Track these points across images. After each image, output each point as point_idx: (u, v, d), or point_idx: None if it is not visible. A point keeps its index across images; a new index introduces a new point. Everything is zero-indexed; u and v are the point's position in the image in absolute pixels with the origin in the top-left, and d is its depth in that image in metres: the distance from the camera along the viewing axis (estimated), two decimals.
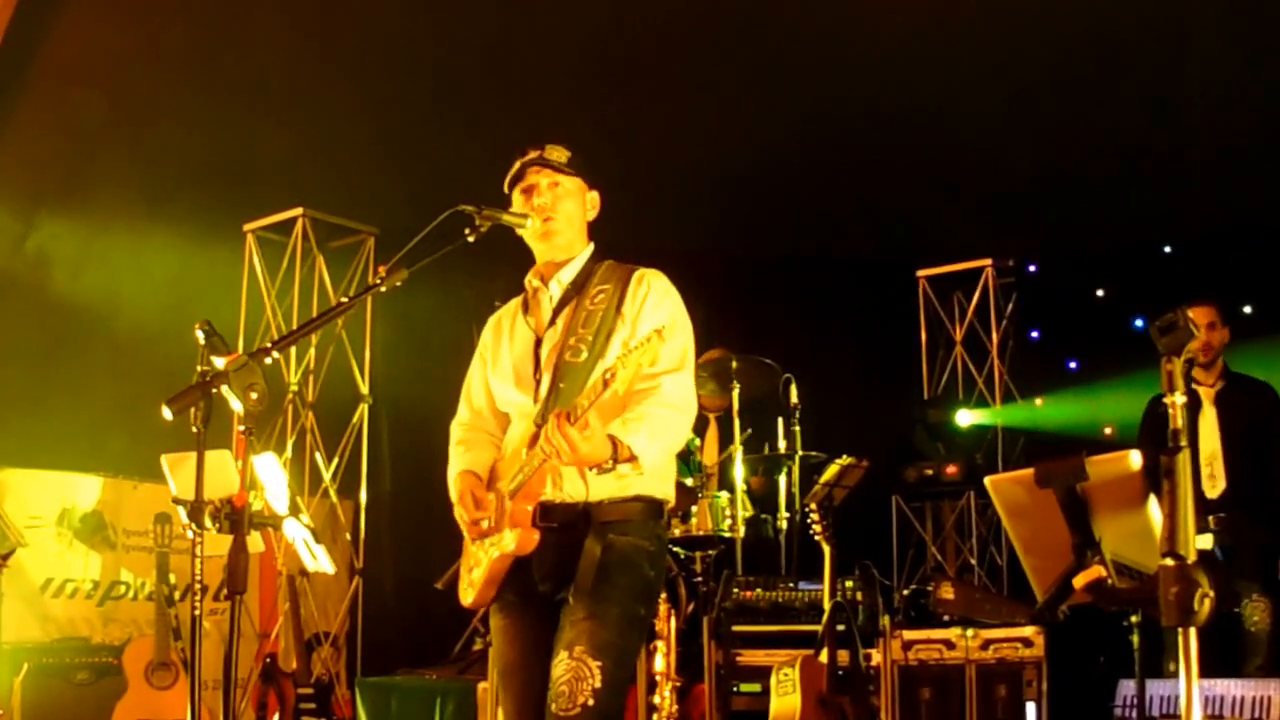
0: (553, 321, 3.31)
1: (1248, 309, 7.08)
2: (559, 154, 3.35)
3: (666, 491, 3.27)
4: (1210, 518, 5.34)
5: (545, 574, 3.15)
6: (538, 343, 3.31)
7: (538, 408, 3.20)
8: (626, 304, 3.24)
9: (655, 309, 3.22)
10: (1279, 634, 5.20)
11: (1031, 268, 8.49)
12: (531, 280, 3.42)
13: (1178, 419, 2.42)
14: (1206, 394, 5.53)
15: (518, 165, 3.36)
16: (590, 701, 2.96)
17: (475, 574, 3.25)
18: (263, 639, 7.25)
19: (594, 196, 3.45)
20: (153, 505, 6.44)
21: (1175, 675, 4.77)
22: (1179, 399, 2.44)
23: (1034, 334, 8.49)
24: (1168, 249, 7.84)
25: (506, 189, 3.40)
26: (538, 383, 3.25)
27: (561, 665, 3.01)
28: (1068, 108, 7.20)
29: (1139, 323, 7.54)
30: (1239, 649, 5.23)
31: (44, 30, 6.81)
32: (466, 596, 3.32)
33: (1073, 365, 8.29)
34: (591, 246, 3.43)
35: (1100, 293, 8.14)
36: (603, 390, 2.89)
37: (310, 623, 7.13)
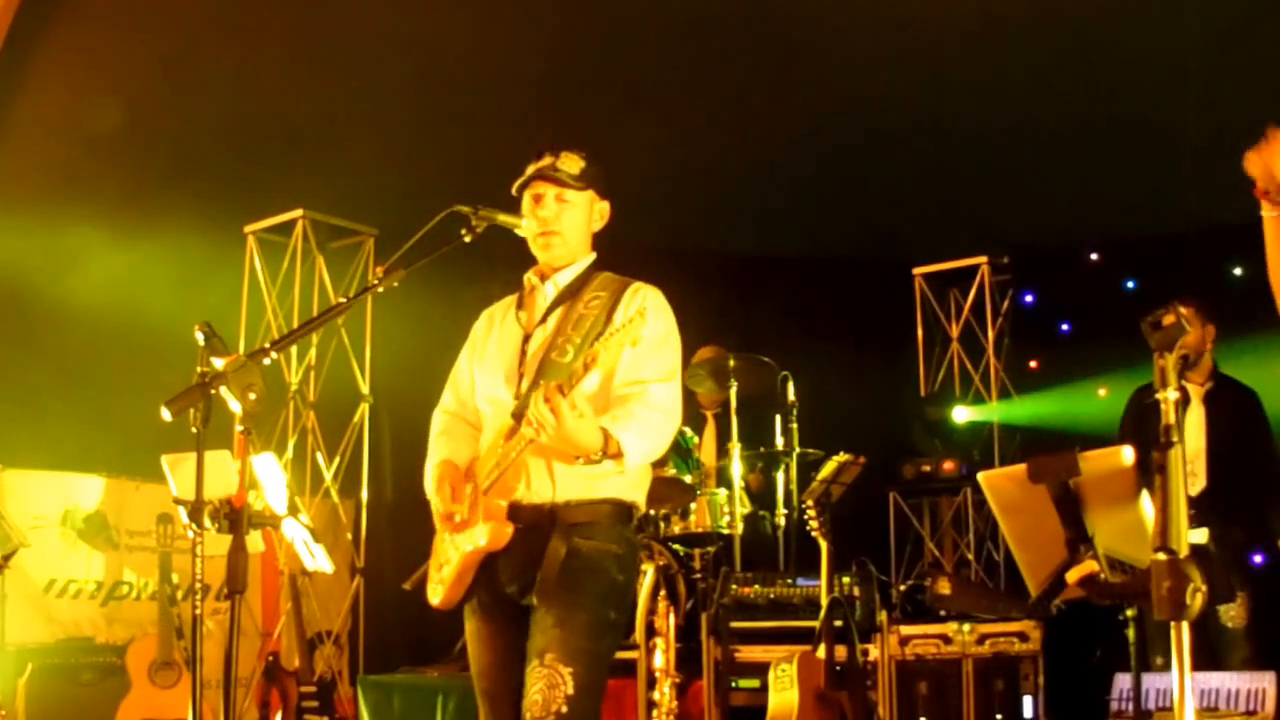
0: (544, 320, 3.32)
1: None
2: (572, 164, 3.34)
3: (637, 496, 3.26)
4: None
5: (512, 576, 3.15)
6: (525, 340, 3.32)
7: (517, 403, 3.20)
8: (619, 312, 3.23)
9: (649, 318, 3.18)
10: (1258, 628, 5.25)
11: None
12: (530, 278, 3.43)
13: (1169, 415, 2.44)
14: (1196, 392, 5.57)
15: (531, 171, 3.36)
16: (564, 709, 2.96)
17: (445, 571, 3.23)
18: (265, 638, 7.27)
19: (604, 207, 3.43)
20: (155, 505, 6.46)
21: (1163, 669, 4.82)
22: (1171, 395, 2.46)
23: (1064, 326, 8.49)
24: (1163, 245, 7.85)
25: (515, 192, 3.39)
26: (520, 378, 3.25)
27: (534, 674, 3.01)
28: (1063, 105, 7.22)
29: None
30: (1219, 645, 5.28)
31: (45, 32, 6.83)
32: (435, 595, 3.29)
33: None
34: (593, 256, 3.45)
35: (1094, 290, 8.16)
36: (583, 374, 2.90)
37: (312, 621, 7.15)
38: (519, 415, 3.10)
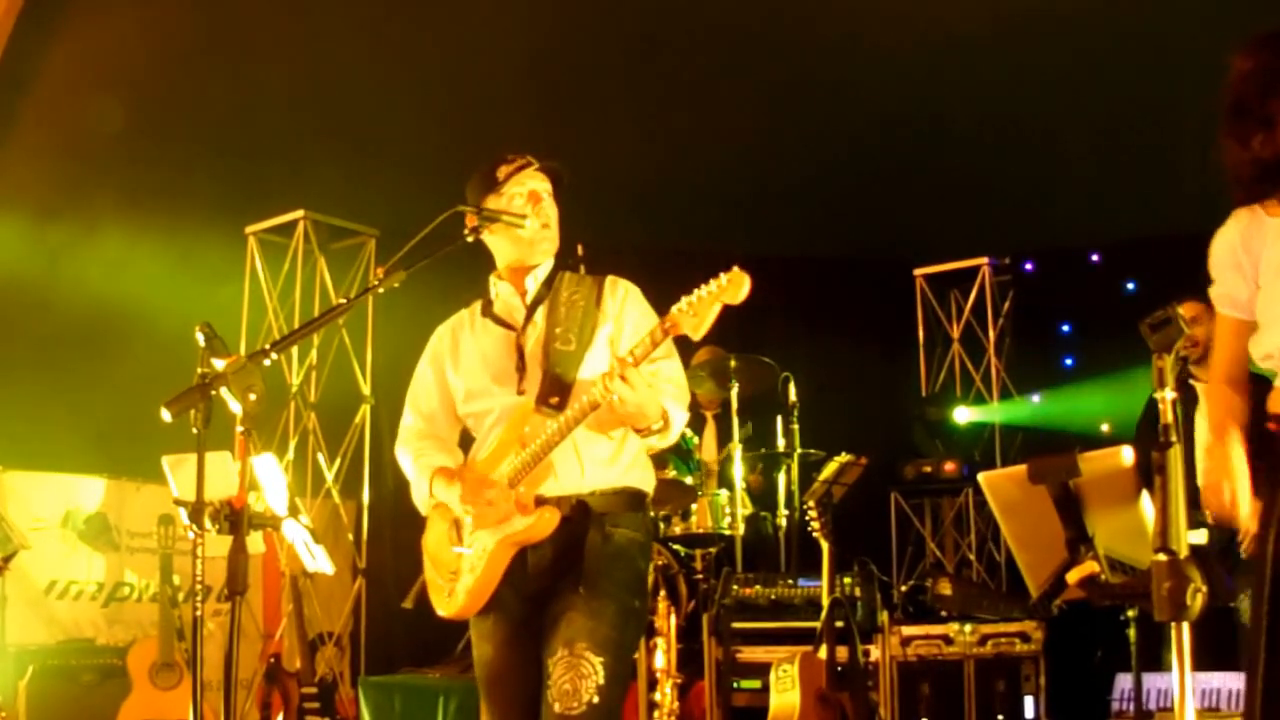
0: (530, 318, 3.33)
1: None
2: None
3: (649, 482, 3.28)
4: (1208, 512, 5.36)
5: (543, 570, 3.12)
6: (517, 338, 3.31)
7: (528, 396, 3.20)
8: (605, 302, 3.29)
9: (637, 305, 3.30)
10: None
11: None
12: (496, 282, 3.44)
13: (1168, 415, 2.44)
14: (1203, 390, 5.56)
15: (513, 168, 3.33)
16: (595, 699, 2.95)
17: (469, 580, 3.18)
18: (267, 639, 7.28)
19: None
20: (156, 506, 6.46)
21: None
22: (1169, 395, 2.46)
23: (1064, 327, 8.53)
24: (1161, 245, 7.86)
25: (494, 189, 3.32)
26: (520, 375, 3.25)
27: (562, 664, 2.98)
28: (1063, 105, 7.22)
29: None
30: (1237, 643, 5.26)
31: (47, 35, 6.84)
32: (451, 607, 3.23)
33: (1068, 362, 8.34)
34: (553, 257, 3.45)
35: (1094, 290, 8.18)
36: (662, 338, 2.90)
37: (314, 623, 7.15)
38: (545, 401, 3.12)
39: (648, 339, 2.93)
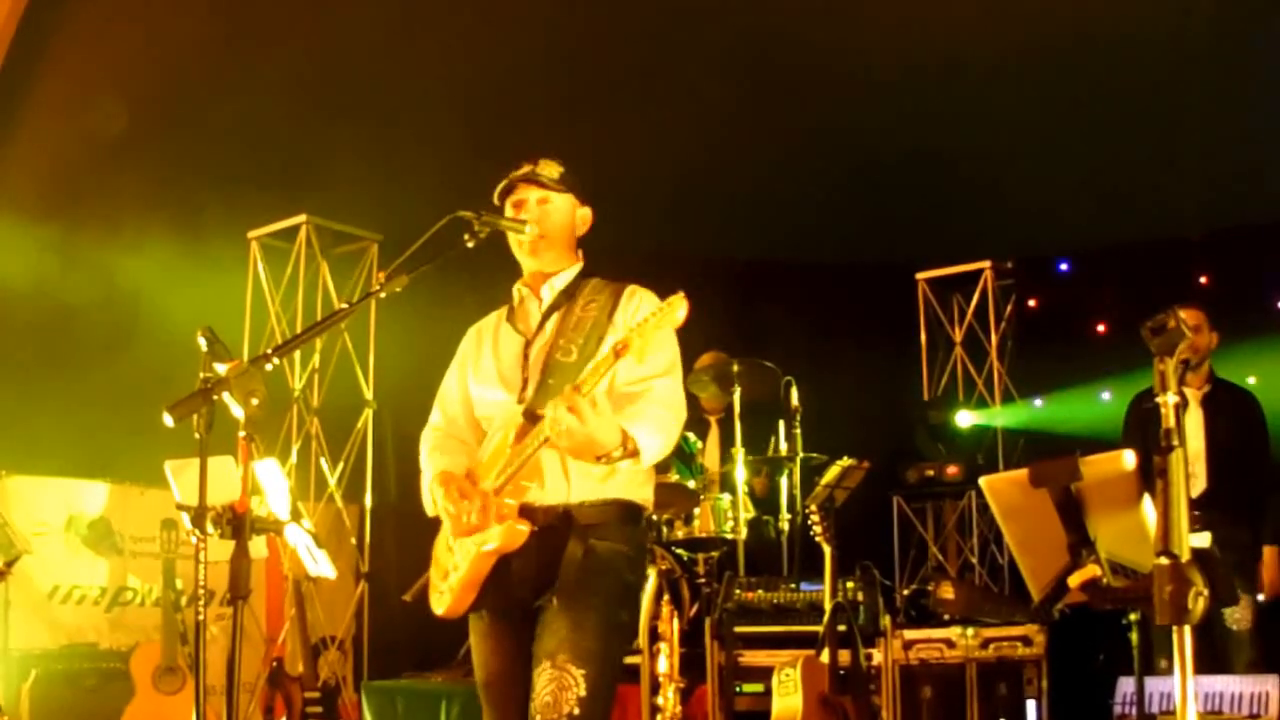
0: (541, 326, 3.33)
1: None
2: (551, 170, 3.38)
3: (645, 496, 3.26)
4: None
5: (526, 578, 3.12)
6: (526, 346, 3.32)
7: (525, 403, 3.20)
8: (619, 313, 3.26)
9: None
10: (1262, 631, 5.25)
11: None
12: (519, 288, 3.44)
13: (1170, 418, 2.44)
14: (1194, 396, 5.61)
15: (507, 181, 3.38)
16: (575, 710, 2.95)
17: (453, 579, 3.19)
18: (270, 643, 7.28)
19: (585, 213, 3.46)
20: (159, 511, 6.45)
21: (1167, 672, 4.83)
22: (1171, 399, 2.46)
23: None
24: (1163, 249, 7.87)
25: (497, 201, 3.40)
26: (524, 382, 3.26)
27: (544, 675, 3.00)
28: (1065, 108, 7.22)
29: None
30: (1224, 647, 5.28)
31: (50, 39, 6.85)
32: (440, 605, 3.26)
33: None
34: (581, 263, 3.45)
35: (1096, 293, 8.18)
36: (614, 362, 2.88)
37: (317, 627, 7.15)
38: (532, 414, 3.10)
39: (591, 371, 2.91)
